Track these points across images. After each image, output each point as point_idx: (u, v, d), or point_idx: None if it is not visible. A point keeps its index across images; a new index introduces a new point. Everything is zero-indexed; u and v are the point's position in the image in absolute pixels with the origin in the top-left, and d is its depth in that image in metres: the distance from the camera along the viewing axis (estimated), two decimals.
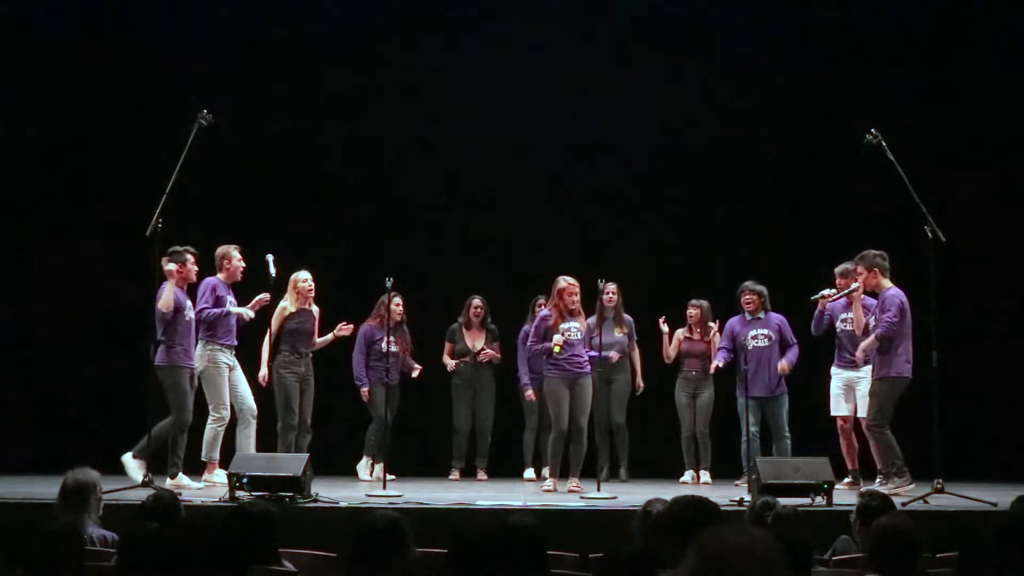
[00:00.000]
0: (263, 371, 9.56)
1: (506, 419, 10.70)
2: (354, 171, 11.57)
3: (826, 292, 9.37)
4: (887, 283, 8.81)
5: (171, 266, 8.86)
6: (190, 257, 8.98)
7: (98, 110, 11.11)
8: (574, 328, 8.98)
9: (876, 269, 8.76)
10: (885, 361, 8.64)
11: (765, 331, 9.73)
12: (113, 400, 10.26)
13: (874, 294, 8.93)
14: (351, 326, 9.94)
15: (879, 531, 4.56)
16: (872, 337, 8.71)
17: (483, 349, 10.56)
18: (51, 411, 10.75)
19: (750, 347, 9.69)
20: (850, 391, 9.36)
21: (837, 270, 9.38)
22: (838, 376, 9.44)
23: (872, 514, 5.13)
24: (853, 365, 9.31)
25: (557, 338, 8.91)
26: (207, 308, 8.98)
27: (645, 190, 11.49)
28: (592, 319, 9.41)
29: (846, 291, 9.10)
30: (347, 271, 11.04)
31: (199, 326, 9.01)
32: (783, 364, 9.65)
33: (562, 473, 9.02)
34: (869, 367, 9.17)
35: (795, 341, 9.75)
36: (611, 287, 10.18)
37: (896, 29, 11.17)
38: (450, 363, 10.59)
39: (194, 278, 9.07)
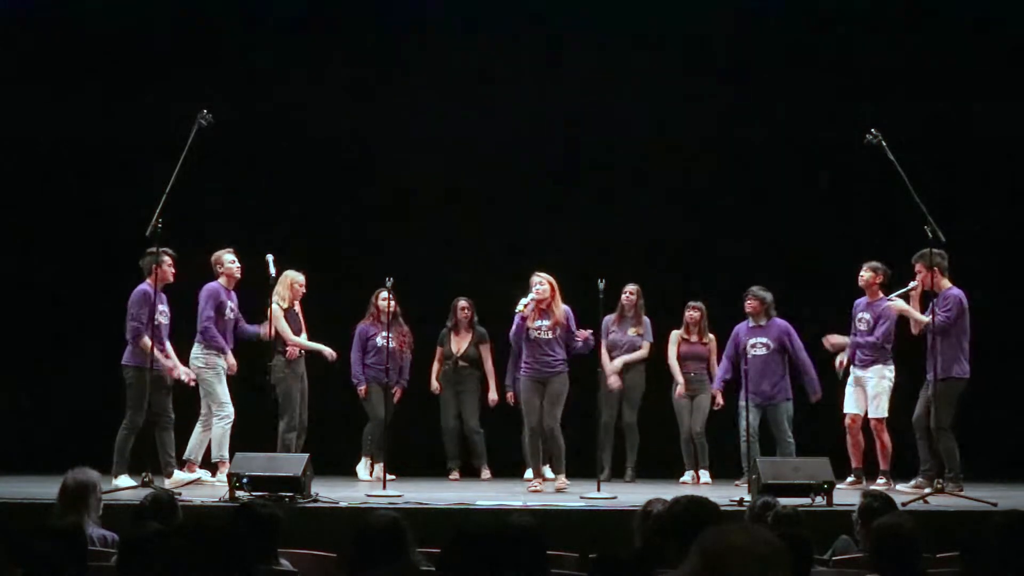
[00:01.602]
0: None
1: (506, 420, 10.68)
2: (354, 171, 11.54)
3: (913, 284, 9.03)
4: (947, 282, 8.80)
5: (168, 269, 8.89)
6: (167, 259, 8.93)
7: (97, 109, 11.08)
8: (544, 326, 8.92)
9: (936, 268, 8.71)
10: (946, 362, 8.61)
11: (764, 339, 9.73)
12: (113, 400, 10.23)
13: (932, 294, 8.82)
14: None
15: (879, 531, 4.56)
16: (924, 318, 8.70)
17: (464, 352, 10.53)
18: (51, 411, 10.74)
19: (750, 355, 9.69)
20: (861, 390, 9.36)
21: (866, 265, 9.35)
22: (851, 374, 9.43)
23: (874, 515, 5.13)
24: (863, 363, 9.31)
25: (523, 301, 8.86)
26: (209, 321, 9.13)
27: (647, 190, 11.46)
28: (609, 318, 9.89)
29: (904, 289, 9.03)
30: (347, 271, 11.02)
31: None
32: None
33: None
34: (878, 366, 9.18)
35: (804, 354, 9.64)
36: (630, 287, 10.23)
37: (898, 28, 11.16)
38: (435, 384, 10.60)
39: (170, 279, 9.00)
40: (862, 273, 9.37)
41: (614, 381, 10.14)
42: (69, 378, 10.76)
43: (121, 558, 4.39)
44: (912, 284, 8.95)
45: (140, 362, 8.76)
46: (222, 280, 9.36)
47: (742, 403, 9.64)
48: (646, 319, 10.42)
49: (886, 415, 9.27)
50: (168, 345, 9.05)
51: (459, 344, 10.63)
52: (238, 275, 9.41)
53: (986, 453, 9.70)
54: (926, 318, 8.75)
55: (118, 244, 10.15)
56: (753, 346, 9.73)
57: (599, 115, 11.40)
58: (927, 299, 8.90)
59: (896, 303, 9.02)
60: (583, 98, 11.43)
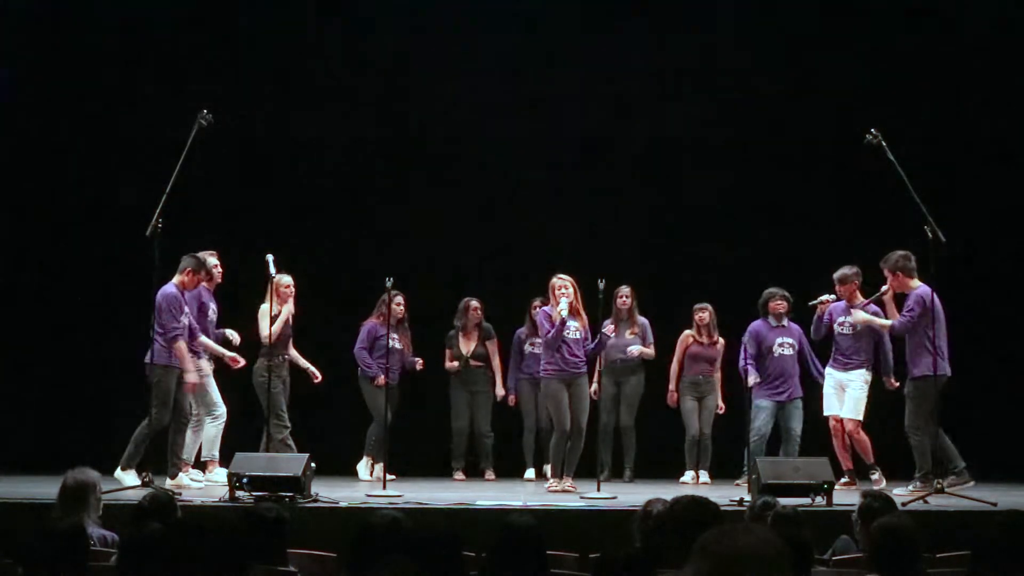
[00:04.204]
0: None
1: (509, 420, 10.71)
2: (354, 171, 11.55)
3: (825, 297, 9.36)
4: (915, 283, 8.79)
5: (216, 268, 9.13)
6: (205, 272, 9.06)
7: (97, 109, 11.09)
8: (573, 327, 8.96)
9: (900, 272, 8.75)
10: (917, 362, 8.62)
11: (791, 340, 9.74)
12: (113, 400, 10.25)
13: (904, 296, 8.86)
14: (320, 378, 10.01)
15: (879, 531, 4.56)
16: (887, 322, 8.78)
17: (473, 352, 10.57)
18: (51, 411, 10.74)
19: (776, 354, 9.67)
20: (841, 391, 9.37)
21: (836, 276, 9.37)
22: (831, 376, 9.45)
23: (873, 515, 5.13)
24: (845, 367, 9.35)
25: (562, 306, 8.85)
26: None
27: (647, 190, 11.47)
28: (608, 321, 9.77)
29: (877, 295, 9.06)
30: (346, 271, 11.02)
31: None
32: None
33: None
34: (860, 370, 9.21)
35: (815, 361, 9.73)
36: (624, 290, 10.22)
37: (899, 27, 11.18)
38: (452, 366, 10.62)
39: (194, 288, 9.08)
40: (837, 288, 9.36)
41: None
42: (69, 378, 10.76)
43: (121, 558, 4.40)
44: (884, 288, 8.99)
45: (167, 362, 8.75)
46: (205, 283, 9.37)
47: (763, 402, 9.60)
48: (643, 320, 10.42)
49: (861, 418, 9.31)
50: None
51: (467, 345, 10.64)
52: (219, 279, 9.43)
53: (986, 453, 9.70)
54: (887, 322, 8.81)
55: (119, 244, 10.16)
56: (781, 345, 9.71)
57: (602, 115, 11.41)
58: (901, 300, 8.96)
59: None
60: (586, 98, 11.45)
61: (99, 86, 11.11)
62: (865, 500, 5.62)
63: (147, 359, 8.68)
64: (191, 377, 8.87)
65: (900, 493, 8.17)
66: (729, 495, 7.93)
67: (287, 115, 11.41)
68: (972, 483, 8.46)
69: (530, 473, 10.49)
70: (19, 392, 10.75)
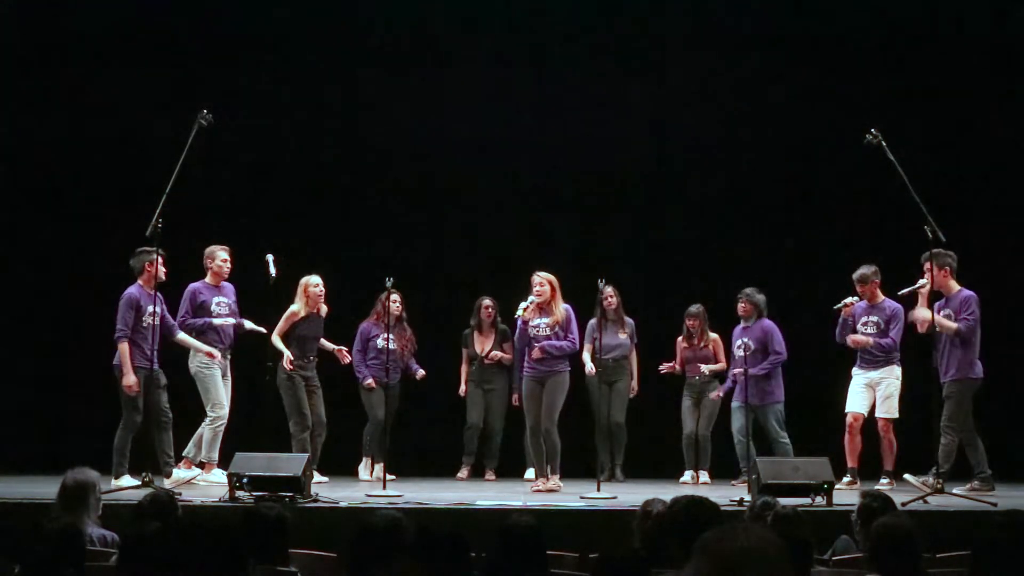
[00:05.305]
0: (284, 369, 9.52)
1: (512, 420, 10.70)
2: (354, 171, 11.55)
3: (849, 300, 9.34)
4: (955, 284, 8.86)
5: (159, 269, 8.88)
6: (158, 258, 8.87)
7: (96, 110, 11.08)
8: (543, 324, 8.92)
9: (947, 268, 8.78)
10: (961, 363, 8.71)
11: (746, 340, 9.78)
12: (113, 401, 10.22)
13: (938, 294, 8.86)
14: (349, 358, 10.05)
15: (879, 531, 4.56)
16: (953, 325, 8.75)
17: (489, 352, 10.55)
18: (51, 411, 10.74)
19: (735, 357, 9.74)
20: (870, 390, 9.37)
21: (855, 276, 9.36)
22: (860, 375, 9.42)
23: (873, 515, 5.13)
24: (875, 365, 9.34)
25: (523, 304, 8.87)
26: (187, 318, 9.12)
27: (646, 191, 11.47)
28: (592, 321, 9.70)
29: (914, 287, 9.01)
30: (347, 271, 11.02)
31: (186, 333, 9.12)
32: (715, 393, 9.96)
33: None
34: (890, 367, 9.22)
35: (778, 352, 9.70)
36: (608, 290, 10.18)
37: (900, 29, 11.18)
38: (463, 388, 10.59)
39: (163, 277, 8.95)
40: (858, 289, 9.37)
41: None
42: (69, 378, 10.76)
43: (121, 558, 4.40)
44: (922, 282, 8.92)
45: (132, 363, 8.75)
46: (208, 278, 9.36)
47: (735, 404, 9.75)
48: (629, 320, 10.42)
49: (896, 416, 9.30)
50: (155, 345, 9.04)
51: (483, 344, 10.62)
52: (225, 274, 9.40)
53: (986, 453, 9.70)
54: (954, 325, 8.78)
55: (119, 243, 10.14)
56: (738, 347, 9.77)
57: (602, 115, 11.41)
58: (934, 298, 8.91)
59: (924, 314, 8.93)
60: (585, 100, 11.45)
61: (98, 86, 11.09)
62: (865, 500, 5.62)
63: (114, 361, 8.80)
64: (126, 380, 8.77)
65: (909, 477, 8.27)
66: (729, 495, 7.94)
67: (290, 115, 11.41)
68: (994, 491, 8.46)
69: (530, 473, 10.48)
70: (19, 392, 10.75)
